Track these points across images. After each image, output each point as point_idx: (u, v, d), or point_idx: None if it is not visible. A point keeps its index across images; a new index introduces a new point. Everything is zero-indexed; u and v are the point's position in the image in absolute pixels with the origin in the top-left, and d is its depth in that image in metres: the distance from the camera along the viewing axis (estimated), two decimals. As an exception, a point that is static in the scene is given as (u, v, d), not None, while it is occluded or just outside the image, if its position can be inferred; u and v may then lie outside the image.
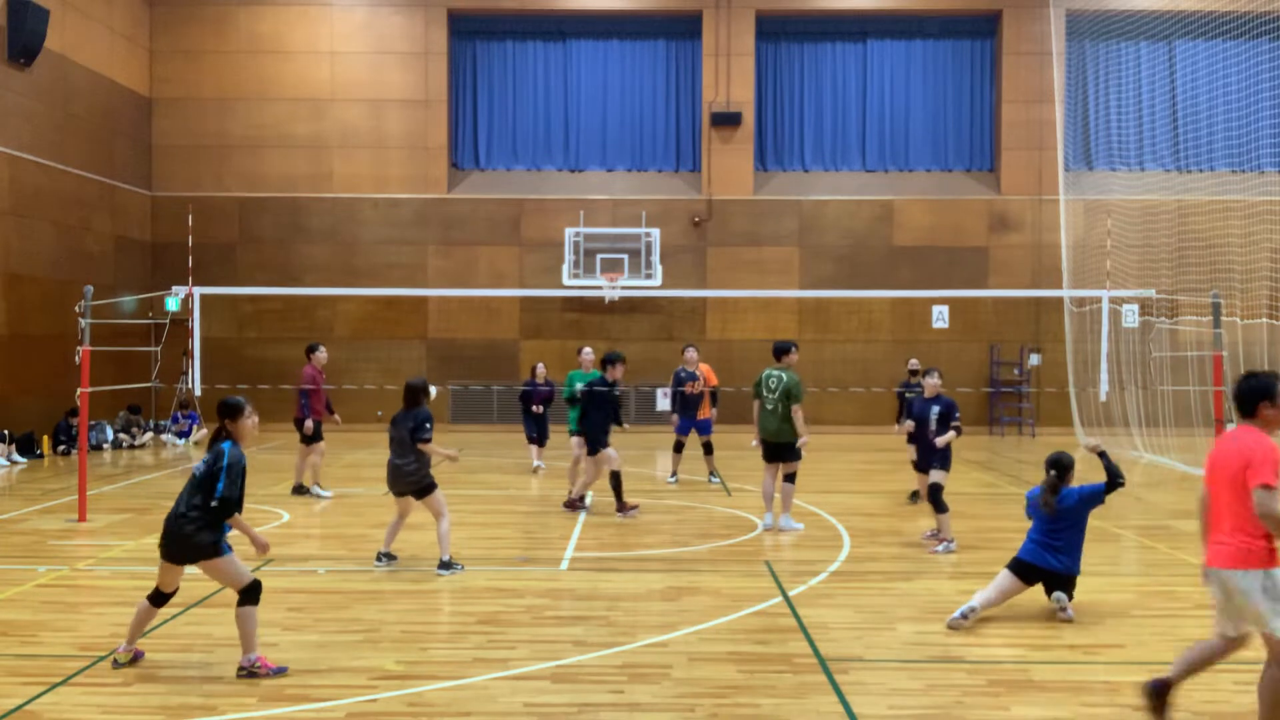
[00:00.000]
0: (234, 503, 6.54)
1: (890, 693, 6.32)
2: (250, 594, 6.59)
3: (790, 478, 11.66)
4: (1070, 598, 7.97)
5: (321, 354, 14.52)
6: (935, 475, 10.69)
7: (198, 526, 6.52)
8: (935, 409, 10.80)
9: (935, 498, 10.61)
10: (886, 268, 24.24)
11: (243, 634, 6.56)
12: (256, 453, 19.82)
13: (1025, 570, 7.98)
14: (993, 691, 6.34)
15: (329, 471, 16.13)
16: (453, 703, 6.13)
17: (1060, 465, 8.10)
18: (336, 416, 14.76)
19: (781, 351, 11.86)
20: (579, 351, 14.84)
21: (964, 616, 7.67)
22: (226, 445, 6.64)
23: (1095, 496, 8.15)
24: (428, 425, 9.37)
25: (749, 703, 6.14)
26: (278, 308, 24.14)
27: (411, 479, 9.42)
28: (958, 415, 10.82)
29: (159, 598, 6.78)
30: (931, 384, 11.01)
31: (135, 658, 6.81)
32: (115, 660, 6.73)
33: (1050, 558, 7.94)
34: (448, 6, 24.43)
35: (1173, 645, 7.29)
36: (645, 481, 15.76)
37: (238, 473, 6.57)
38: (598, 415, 12.36)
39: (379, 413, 22.13)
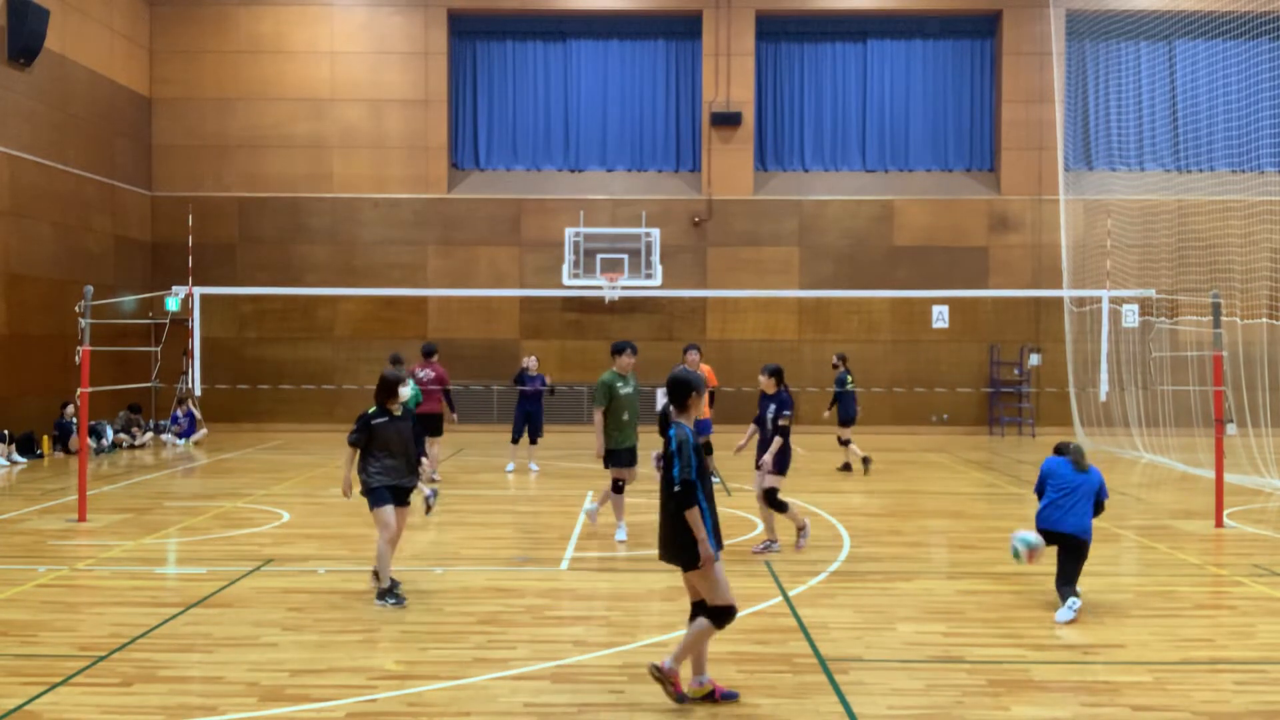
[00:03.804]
0: (694, 485, 5.94)
1: (890, 693, 6.32)
2: (716, 615, 6.06)
3: (615, 486, 11.00)
4: (1079, 570, 8.09)
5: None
6: (769, 480, 10.23)
7: (676, 526, 6.02)
8: (772, 407, 10.36)
9: (770, 501, 10.28)
10: (886, 268, 24.25)
11: (688, 646, 6.07)
12: (255, 453, 19.83)
13: (1050, 538, 8.19)
14: (993, 691, 6.34)
15: (327, 472, 16.24)
16: (453, 703, 6.13)
17: (1080, 449, 8.48)
18: (454, 416, 15.83)
19: (613, 353, 11.12)
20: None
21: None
22: (674, 429, 6.05)
23: (1103, 491, 8.38)
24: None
25: (749, 703, 6.14)
26: (278, 308, 24.14)
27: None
28: (786, 414, 10.21)
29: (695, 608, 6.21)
30: (764, 380, 10.43)
31: (721, 695, 6.16)
32: (683, 695, 6.13)
33: (1062, 519, 8.11)
34: (448, 6, 24.44)
35: (1173, 645, 7.30)
36: (645, 481, 15.71)
37: (689, 451, 5.97)
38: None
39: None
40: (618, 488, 10.99)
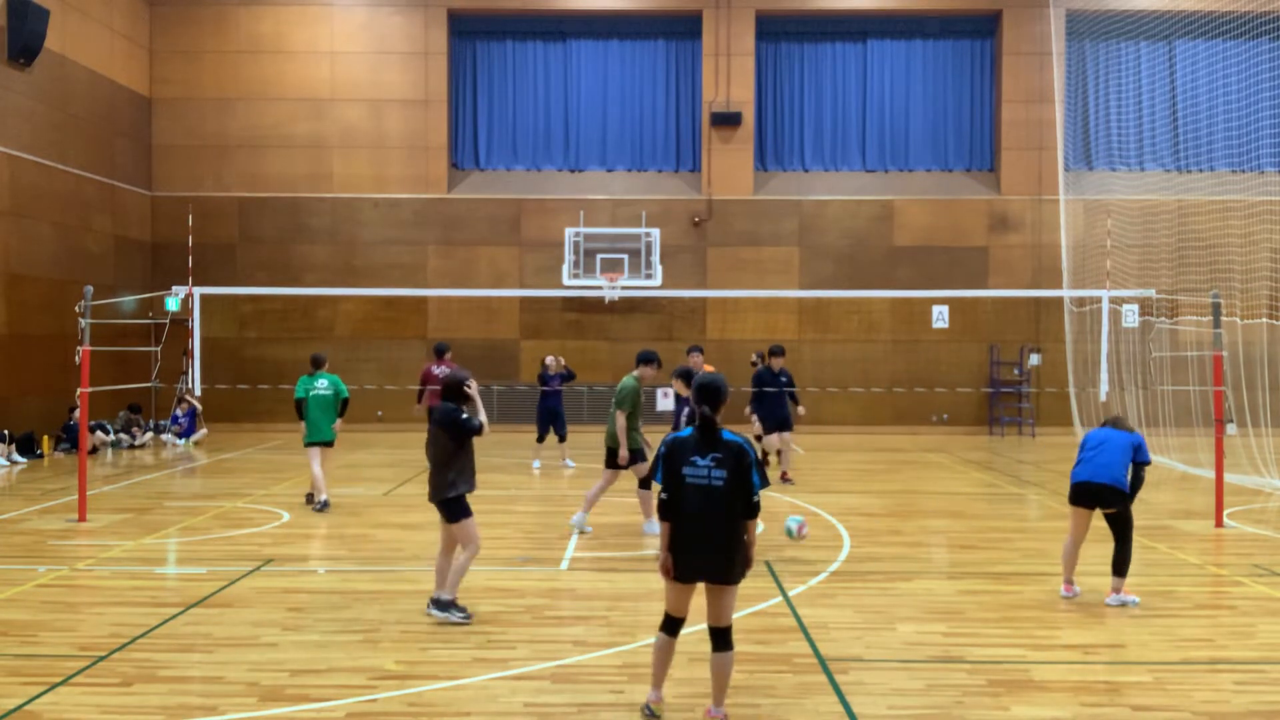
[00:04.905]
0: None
1: (890, 693, 6.32)
2: (730, 639, 5.83)
3: (642, 483, 11.35)
4: (1127, 519, 8.34)
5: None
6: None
7: (736, 538, 5.74)
8: (686, 411, 10.47)
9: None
10: (886, 267, 24.25)
11: (726, 684, 5.83)
12: (255, 453, 19.83)
13: (1082, 496, 8.39)
14: (993, 691, 6.34)
15: (327, 470, 16.24)
16: (453, 703, 6.13)
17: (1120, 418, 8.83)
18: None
19: (639, 361, 11.39)
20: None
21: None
22: (740, 439, 5.80)
23: (1141, 452, 8.45)
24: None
25: (749, 703, 6.14)
26: (278, 308, 24.14)
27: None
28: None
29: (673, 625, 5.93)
30: (679, 384, 10.51)
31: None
32: (649, 709, 5.90)
33: (1091, 471, 8.32)
34: (448, 6, 24.44)
35: (1173, 645, 7.30)
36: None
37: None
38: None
39: (379, 413, 22.14)
40: (648, 484, 11.34)
